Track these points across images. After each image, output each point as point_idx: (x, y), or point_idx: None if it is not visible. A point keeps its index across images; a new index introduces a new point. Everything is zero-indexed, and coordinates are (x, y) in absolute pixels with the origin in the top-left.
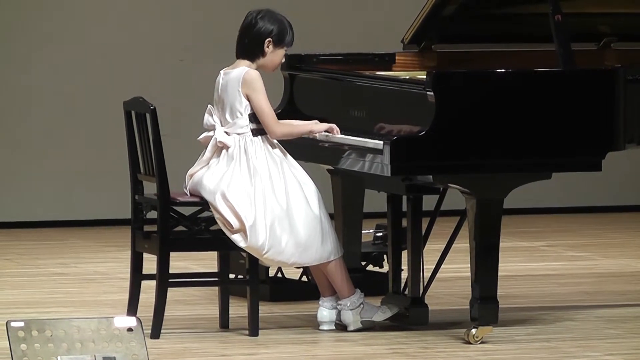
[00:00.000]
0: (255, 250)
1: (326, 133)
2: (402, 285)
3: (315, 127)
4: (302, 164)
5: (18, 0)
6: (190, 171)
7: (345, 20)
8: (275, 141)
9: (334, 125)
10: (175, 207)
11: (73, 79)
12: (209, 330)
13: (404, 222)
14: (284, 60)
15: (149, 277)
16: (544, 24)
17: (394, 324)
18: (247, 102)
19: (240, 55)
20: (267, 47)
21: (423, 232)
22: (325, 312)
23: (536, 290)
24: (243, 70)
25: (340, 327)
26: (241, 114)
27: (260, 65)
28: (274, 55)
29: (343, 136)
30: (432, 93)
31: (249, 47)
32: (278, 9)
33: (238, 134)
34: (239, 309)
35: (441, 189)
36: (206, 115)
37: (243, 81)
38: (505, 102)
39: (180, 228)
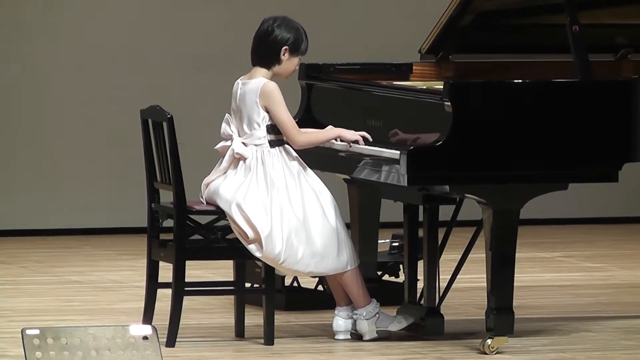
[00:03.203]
0: (271, 260)
1: (352, 144)
2: (418, 295)
3: (344, 133)
4: (318, 173)
5: (38, 5)
6: (206, 180)
7: (363, 30)
8: (293, 153)
9: (363, 133)
10: (191, 216)
11: (91, 88)
12: (224, 339)
13: (420, 232)
14: (298, 68)
15: (165, 285)
16: (561, 35)
17: (410, 334)
18: (265, 114)
19: (256, 63)
20: (284, 55)
21: (439, 242)
22: (340, 321)
23: (552, 301)
24: (261, 81)
25: (356, 336)
26: (259, 125)
27: (276, 73)
28: (290, 63)
29: (360, 146)
30: (449, 103)
31: (265, 54)
32: (295, 17)
33: (255, 145)
34: (254, 318)
35: (457, 199)
36: (223, 125)
37: (261, 93)
38: (522, 112)
39: (196, 237)
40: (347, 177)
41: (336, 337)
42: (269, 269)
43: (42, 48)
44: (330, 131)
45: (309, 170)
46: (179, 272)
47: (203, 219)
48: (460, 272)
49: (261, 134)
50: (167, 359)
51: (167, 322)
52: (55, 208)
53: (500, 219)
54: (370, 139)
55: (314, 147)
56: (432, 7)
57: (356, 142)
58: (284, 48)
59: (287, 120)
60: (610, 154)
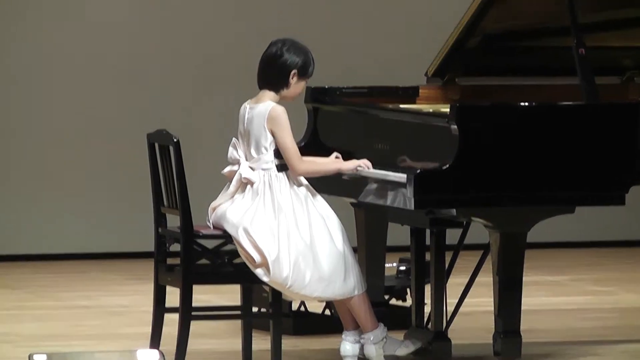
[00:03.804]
0: (279, 285)
1: (359, 168)
2: (425, 319)
3: (344, 166)
4: (325, 196)
5: (39, 31)
6: (213, 204)
7: (369, 53)
8: (302, 179)
9: (364, 161)
10: (198, 240)
11: (95, 111)
12: None
13: (428, 256)
14: (304, 90)
15: (172, 310)
16: (567, 58)
17: (417, 358)
18: (272, 138)
19: (264, 86)
20: (292, 78)
21: (446, 265)
22: (348, 345)
23: (559, 324)
24: (269, 105)
25: None
26: (266, 149)
27: (283, 96)
28: (297, 87)
29: (366, 169)
30: (455, 126)
31: (273, 78)
32: (302, 39)
33: (263, 169)
34: (262, 343)
35: (465, 222)
36: (230, 149)
37: (269, 117)
38: (528, 135)
39: (203, 261)
40: (354, 200)
41: None
42: (276, 294)
43: (45, 70)
44: (331, 164)
45: (317, 195)
46: (186, 296)
47: (210, 244)
48: (468, 295)
49: (269, 158)
50: None
51: (175, 347)
52: (61, 233)
53: (508, 243)
54: (371, 167)
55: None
56: (438, 30)
57: (360, 167)
58: (293, 72)
59: (290, 146)
60: (617, 177)
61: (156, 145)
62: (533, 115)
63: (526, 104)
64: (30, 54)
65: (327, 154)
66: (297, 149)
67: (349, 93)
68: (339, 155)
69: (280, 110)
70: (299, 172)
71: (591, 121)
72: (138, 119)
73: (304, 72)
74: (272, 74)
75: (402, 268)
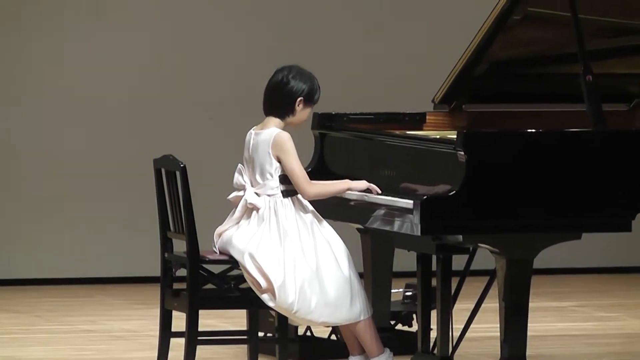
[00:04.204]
0: (285, 310)
1: (365, 193)
2: (431, 344)
3: (354, 185)
4: (331, 222)
5: (48, 53)
6: (218, 230)
7: (376, 79)
8: (307, 203)
9: (373, 186)
10: (204, 265)
11: (101, 135)
12: None
13: (434, 282)
14: (310, 117)
15: (178, 334)
16: (574, 84)
17: None
18: (278, 164)
19: (270, 113)
20: (298, 105)
21: (452, 291)
22: None
23: (565, 350)
24: (274, 131)
25: None
26: (272, 175)
27: (289, 123)
28: (303, 113)
29: (373, 195)
30: (462, 153)
31: (279, 105)
32: (308, 66)
33: (268, 195)
34: None
35: (471, 248)
36: (236, 175)
37: (274, 143)
38: (535, 162)
39: (210, 286)
40: (360, 226)
41: None
42: (283, 318)
43: (53, 95)
44: (341, 184)
45: (323, 221)
46: (192, 321)
47: (216, 269)
48: (474, 321)
49: (274, 184)
50: None
51: None
52: (67, 257)
53: (514, 269)
54: (379, 191)
55: (326, 197)
56: (445, 57)
57: (368, 191)
58: (299, 99)
59: (297, 170)
60: (624, 204)
61: (163, 170)
62: (540, 142)
63: (533, 130)
64: (38, 77)
65: (334, 180)
66: (305, 173)
67: (355, 119)
68: (349, 181)
69: (285, 137)
70: (309, 195)
71: (598, 148)
72: (144, 144)
73: (309, 98)
74: (278, 101)
75: (408, 293)
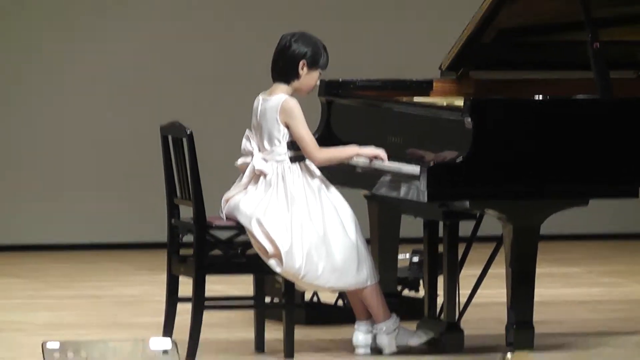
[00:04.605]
0: (292, 275)
1: (373, 159)
2: (438, 310)
3: (362, 150)
4: (338, 188)
5: (49, 23)
6: (226, 195)
7: (383, 46)
8: (314, 169)
9: (381, 152)
10: (211, 231)
11: (110, 102)
12: (244, 353)
13: (440, 248)
14: (318, 83)
15: (185, 300)
16: (582, 52)
17: (430, 349)
18: (286, 130)
19: (276, 79)
20: (302, 69)
21: (459, 257)
22: (360, 336)
23: (571, 316)
24: (281, 98)
25: (376, 351)
26: (279, 141)
27: (296, 89)
28: (309, 78)
29: (380, 162)
30: (469, 120)
31: (283, 69)
32: (317, 35)
33: (276, 161)
34: (274, 333)
35: (478, 214)
36: (244, 141)
37: (281, 109)
38: (542, 129)
39: (216, 252)
40: (367, 193)
41: (356, 351)
42: (289, 284)
43: (61, 61)
44: (349, 149)
45: (331, 186)
46: (199, 286)
47: (223, 234)
48: (480, 287)
49: (282, 150)
50: None
51: (187, 337)
52: (74, 223)
53: (521, 235)
54: (386, 158)
55: (335, 163)
56: (453, 24)
57: (376, 157)
58: (301, 62)
59: (306, 136)
60: (630, 170)
61: (169, 137)
62: (547, 109)
63: (540, 98)
64: (47, 46)
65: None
66: (313, 138)
67: (362, 86)
68: (356, 146)
69: (293, 103)
70: (317, 161)
71: (605, 115)
72: (152, 110)
73: (313, 62)
74: (282, 66)
75: (415, 260)
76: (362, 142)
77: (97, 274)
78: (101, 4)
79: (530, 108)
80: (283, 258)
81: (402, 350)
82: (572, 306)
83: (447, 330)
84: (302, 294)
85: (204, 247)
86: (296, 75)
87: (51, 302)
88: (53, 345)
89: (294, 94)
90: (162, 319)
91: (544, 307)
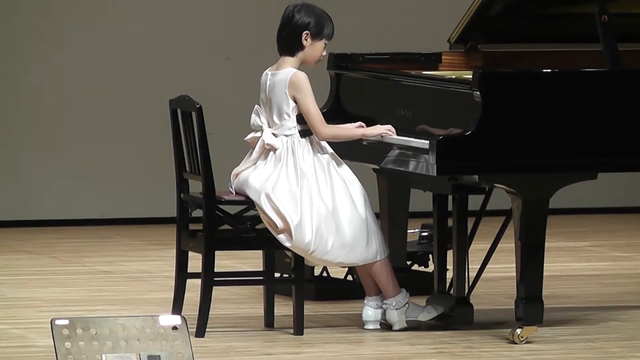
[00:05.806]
0: (301, 250)
1: (383, 135)
2: (447, 285)
3: (368, 131)
4: (347, 162)
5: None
6: (235, 170)
7: (392, 20)
8: (326, 146)
9: (388, 128)
10: (220, 206)
11: (117, 77)
12: (253, 329)
13: (450, 222)
14: (325, 54)
15: (194, 275)
16: (590, 24)
17: (439, 324)
18: (294, 104)
19: (282, 51)
20: (305, 39)
21: (468, 231)
22: (370, 311)
23: (581, 290)
24: (290, 71)
25: (386, 326)
26: (289, 115)
27: (302, 60)
28: (314, 49)
29: (390, 136)
30: (478, 93)
31: (287, 41)
32: (324, 7)
33: (286, 135)
34: (284, 308)
35: (487, 188)
36: (253, 116)
37: (290, 83)
38: (551, 102)
39: (226, 227)
40: (376, 166)
41: (365, 326)
42: (299, 259)
43: (68, 35)
44: (356, 130)
45: (341, 162)
46: (209, 262)
47: (232, 209)
48: (490, 261)
49: (291, 125)
50: (196, 349)
51: (197, 313)
52: (84, 198)
53: (530, 209)
54: (394, 133)
55: (340, 140)
56: None
57: (383, 134)
58: (305, 32)
59: (313, 110)
60: (639, 143)
61: (179, 111)
62: (556, 81)
63: (549, 70)
64: (56, 23)
65: (349, 120)
66: (320, 114)
67: (371, 59)
68: (363, 125)
69: (302, 76)
70: (323, 137)
71: (614, 88)
72: (161, 85)
73: (317, 32)
74: (286, 37)
75: (425, 234)
76: (371, 115)
77: (107, 249)
78: None
79: (538, 80)
80: (292, 232)
81: (412, 325)
82: (581, 280)
83: (456, 305)
84: (312, 269)
85: (213, 222)
86: (300, 47)
87: (61, 278)
88: (62, 321)
89: (301, 66)
90: (171, 294)
91: (553, 281)
